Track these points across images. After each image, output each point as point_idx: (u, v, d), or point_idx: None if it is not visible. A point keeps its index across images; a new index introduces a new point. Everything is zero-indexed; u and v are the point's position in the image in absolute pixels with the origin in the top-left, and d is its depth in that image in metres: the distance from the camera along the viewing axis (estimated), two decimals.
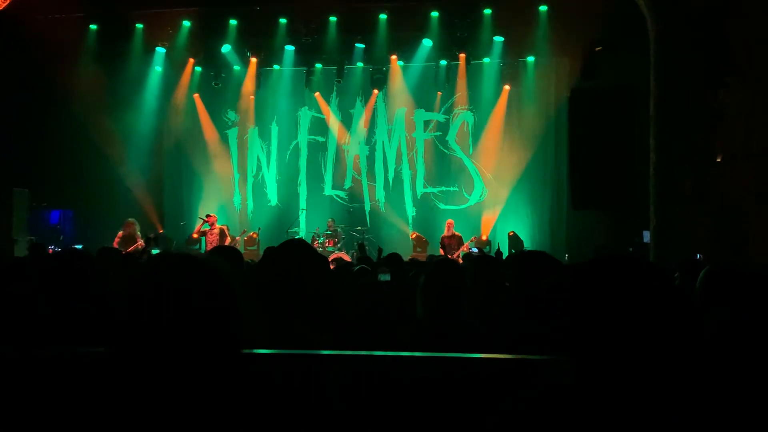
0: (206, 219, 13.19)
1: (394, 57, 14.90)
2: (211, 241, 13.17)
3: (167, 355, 1.27)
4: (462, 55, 14.47)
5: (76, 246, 11.77)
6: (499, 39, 14.09)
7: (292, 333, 2.11)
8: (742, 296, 2.87)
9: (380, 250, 9.26)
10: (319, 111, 16.05)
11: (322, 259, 2.55)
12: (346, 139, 15.98)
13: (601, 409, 1.27)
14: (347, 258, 11.76)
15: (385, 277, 5.07)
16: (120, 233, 11.83)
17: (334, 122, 16.02)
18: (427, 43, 14.28)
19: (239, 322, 1.36)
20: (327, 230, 14.35)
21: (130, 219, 12.32)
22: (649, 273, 1.35)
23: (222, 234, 13.25)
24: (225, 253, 3.95)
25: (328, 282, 2.56)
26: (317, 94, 15.82)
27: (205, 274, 1.35)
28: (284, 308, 2.22)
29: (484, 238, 14.28)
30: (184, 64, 15.31)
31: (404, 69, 15.33)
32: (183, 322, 1.28)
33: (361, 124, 15.89)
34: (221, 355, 1.33)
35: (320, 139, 16.11)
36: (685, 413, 1.27)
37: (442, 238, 13.66)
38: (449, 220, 13.70)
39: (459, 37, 13.99)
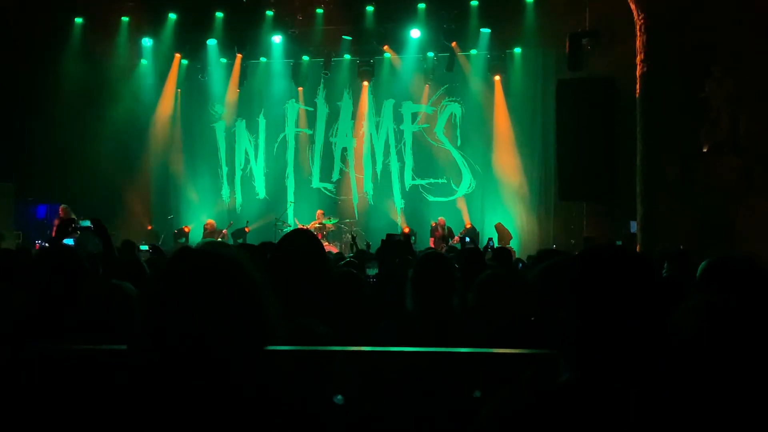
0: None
1: (381, 49, 14.86)
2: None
3: (195, 351, 1.23)
4: (452, 45, 14.43)
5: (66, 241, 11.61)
6: (486, 30, 14.11)
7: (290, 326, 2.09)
8: (740, 287, 2.89)
9: (368, 245, 9.28)
10: (307, 104, 16.01)
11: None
12: (334, 131, 15.96)
13: (600, 404, 1.27)
14: (335, 250, 11.78)
15: (372, 271, 5.08)
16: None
17: (321, 115, 15.98)
18: (414, 35, 14.26)
19: (266, 317, 1.32)
20: (315, 222, 14.31)
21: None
22: (637, 264, 1.36)
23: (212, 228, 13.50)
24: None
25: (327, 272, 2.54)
26: (300, 89, 15.79)
27: (232, 268, 1.32)
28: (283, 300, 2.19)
29: (468, 226, 14.30)
30: (171, 57, 15.21)
31: (392, 61, 15.30)
32: (211, 317, 1.24)
33: (349, 117, 15.86)
34: (248, 351, 1.29)
35: (308, 131, 16.06)
36: (678, 403, 1.28)
37: (432, 231, 13.76)
38: (441, 218, 13.85)
39: (446, 29, 14.00)
